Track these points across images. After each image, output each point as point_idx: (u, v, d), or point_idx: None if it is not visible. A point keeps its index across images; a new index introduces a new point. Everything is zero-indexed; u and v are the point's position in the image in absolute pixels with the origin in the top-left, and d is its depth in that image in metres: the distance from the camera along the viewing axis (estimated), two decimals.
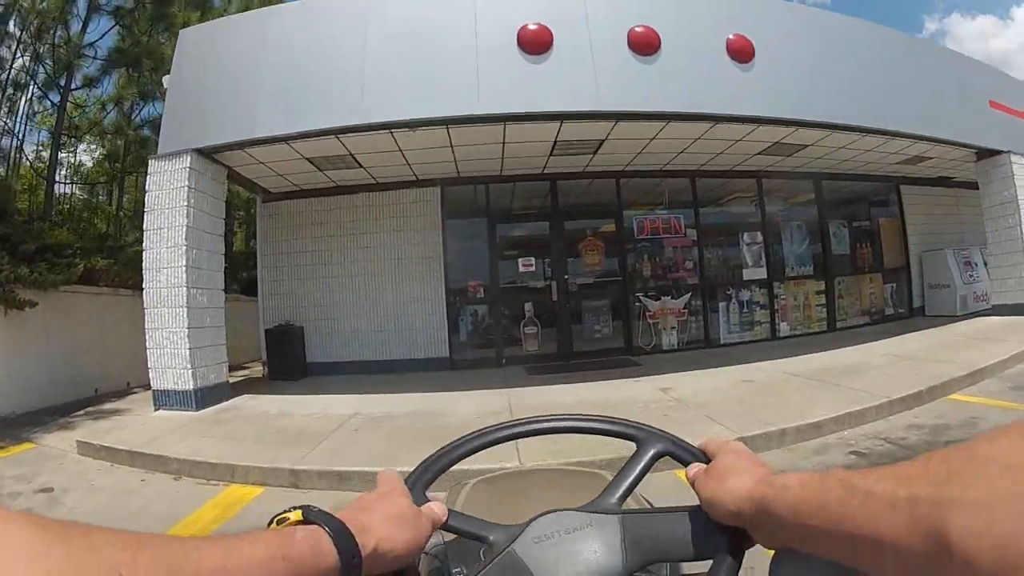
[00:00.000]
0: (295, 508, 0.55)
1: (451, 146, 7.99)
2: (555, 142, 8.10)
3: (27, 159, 13.89)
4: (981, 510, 0.33)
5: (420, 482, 0.71)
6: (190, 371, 6.80)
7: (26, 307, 7.60)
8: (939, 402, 5.61)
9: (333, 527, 0.53)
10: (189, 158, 7.15)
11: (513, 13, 6.96)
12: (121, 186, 15.33)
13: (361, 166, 8.60)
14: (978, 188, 10.70)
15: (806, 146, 9.06)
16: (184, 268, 6.91)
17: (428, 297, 9.63)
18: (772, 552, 0.57)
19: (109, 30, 13.72)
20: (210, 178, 7.57)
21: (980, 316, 10.83)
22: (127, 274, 9.19)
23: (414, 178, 9.45)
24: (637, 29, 7.06)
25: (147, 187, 7.42)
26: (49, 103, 13.74)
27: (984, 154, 10.14)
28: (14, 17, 11.95)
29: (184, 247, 6.94)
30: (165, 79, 8.14)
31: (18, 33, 12.20)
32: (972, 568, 0.32)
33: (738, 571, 0.61)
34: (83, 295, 8.89)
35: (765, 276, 10.80)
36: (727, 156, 9.40)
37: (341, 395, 7.38)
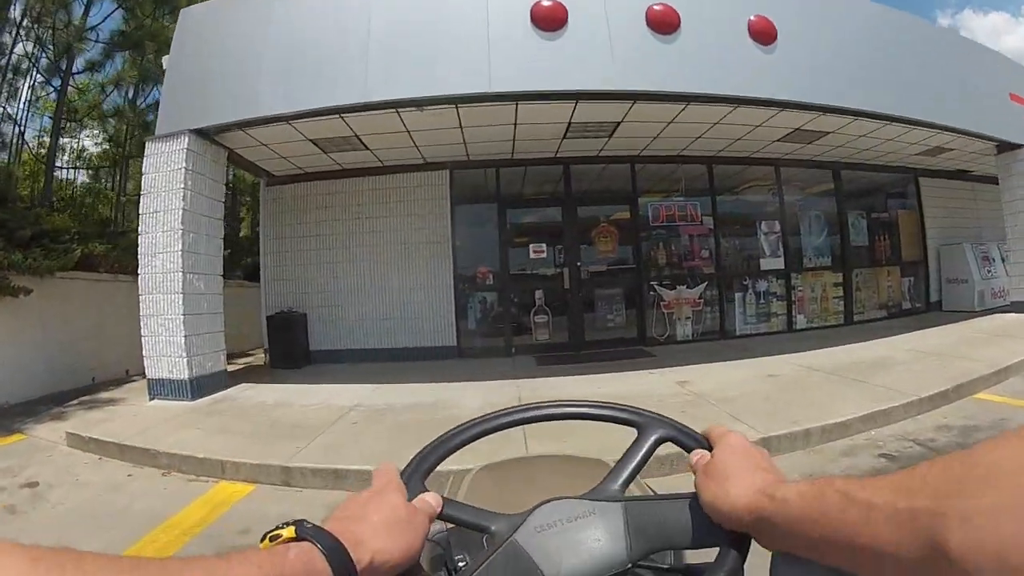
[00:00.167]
0: (288, 524, 0.54)
1: (460, 127, 7.69)
2: (569, 124, 7.82)
3: (28, 146, 13.76)
4: (980, 519, 0.33)
5: (418, 472, 0.70)
6: (185, 359, 6.55)
7: (20, 294, 7.39)
8: (965, 401, 5.40)
9: (326, 544, 0.52)
10: (187, 139, 6.91)
11: None
12: (124, 171, 15.15)
13: (367, 148, 8.33)
14: (996, 183, 10.59)
15: (827, 133, 8.80)
16: (180, 253, 6.65)
17: (435, 284, 9.40)
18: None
19: (111, 13, 13.58)
20: (209, 160, 7.31)
21: (998, 313, 10.65)
22: (127, 260, 8.97)
23: (422, 161, 9.20)
24: (655, 7, 6.75)
25: (144, 169, 7.20)
26: (52, 89, 13.63)
27: (1005, 147, 9.99)
28: (16, 1, 11.75)
29: (180, 231, 6.68)
30: (165, 59, 7.90)
31: (19, 18, 12.01)
32: None
33: (743, 564, 0.60)
34: (81, 281, 8.69)
35: (783, 266, 10.57)
36: (746, 142, 9.13)
37: (343, 385, 7.15)
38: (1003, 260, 11.56)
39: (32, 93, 13.45)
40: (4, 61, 12.17)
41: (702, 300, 10.06)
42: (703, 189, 10.24)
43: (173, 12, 12.62)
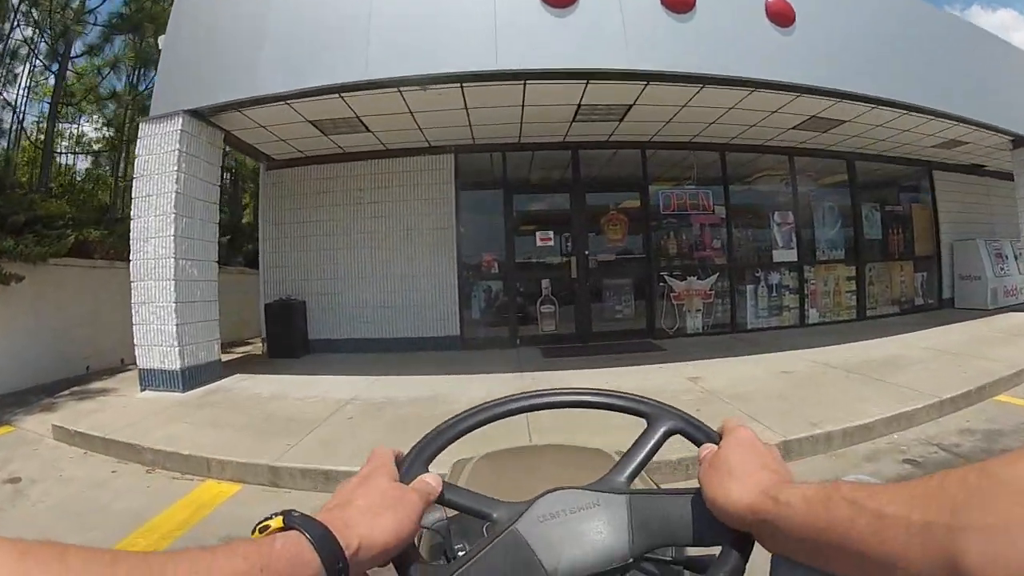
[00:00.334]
0: (277, 514, 0.53)
1: (466, 108, 7.40)
2: (579, 106, 7.52)
3: (26, 132, 13.57)
4: (998, 536, 0.33)
5: (421, 457, 0.70)
6: (177, 349, 6.32)
7: (11, 281, 7.19)
8: (986, 403, 5.22)
9: (314, 532, 0.51)
10: (181, 120, 6.65)
11: None
12: (124, 156, 14.94)
13: (369, 130, 8.07)
14: (1010, 179, 10.45)
15: (843, 122, 8.56)
16: (172, 238, 6.40)
17: (439, 271, 9.15)
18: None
19: None
20: (205, 142, 7.06)
21: (1011, 311, 10.58)
22: (123, 246, 8.74)
23: (426, 144, 8.93)
24: None
25: (137, 151, 6.94)
26: (51, 74, 13.42)
27: (1021, 142, 9.75)
28: None
29: (173, 215, 6.43)
30: (161, 39, 7.67)
31: (16, 2, 11.78)
32: None
33: (745, 564, 0.59)
34: (76, 268, 8.48)
35: (795, 259, 10.35)
36: (760, 129, 8.87)
37: (341, 376, 6.93)
38: (1016, 258, 11.63)
39: (31, 79, 13.31)
40: (2, 46, 11.99)
41: (713, 292, 9.82)
42: (715, 177, 9.98)
43: None
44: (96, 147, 15.51)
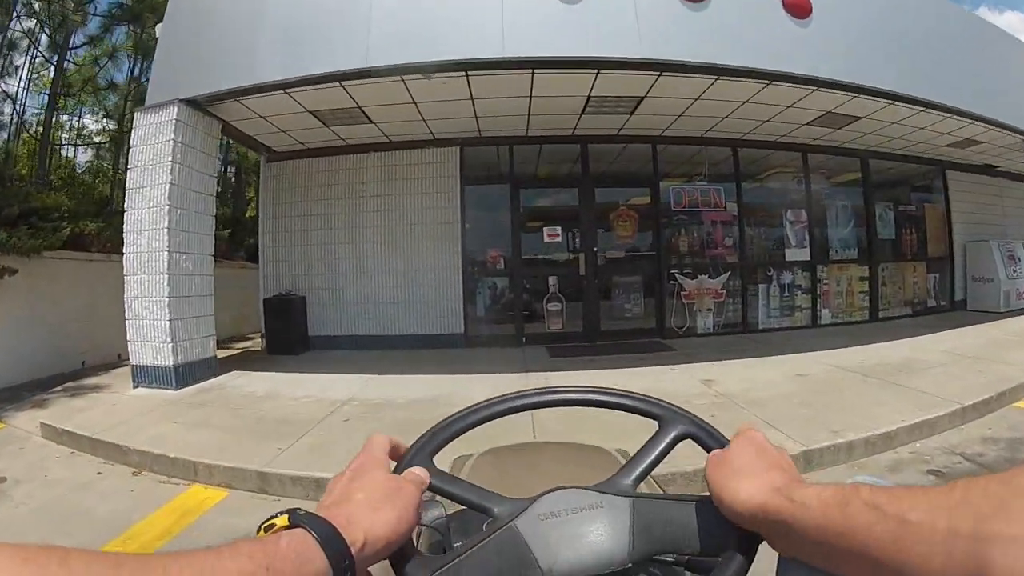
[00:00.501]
0: (282, 513, 0.53)
1: (471, 99, 7.17)
2: (588, 98, 7.28)
3: (24, 124, 13.45)
4: (1023, 547, 0.33)
5: (425, 450, 0.69)
6: (170, 345, 6.13)
7: (5, 274, 7.03)
8: (1007, 410, 5.06)
9: (320, 530, 0.50)
10: (176, 109, 6.47)
11: None
12: (125, 149, 14.84)
13: (372, 121, 7.85)
14: (1023, 180, 10.37)
15: (859, 118, 8.34)
16: (166, 230, 6.21)
17: (443, 266, 8.94)
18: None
19: None
20: (201, 132, 6.87)
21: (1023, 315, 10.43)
22: (120, 239, 8.57)
23: (431, 136, 8.70)
24: None
25: (132, 142, 6.79)
26: (51, 66, 13.32)
27: None
28: None
29: (167, 207, 6.23)
30: (158, 27, 7.47)
31: None
32: None
33: (749, 566, 0.58)
34: (72, 261, 8.31)
35: (808, 258, 10.12)
36: (774, 125, 8.64)
37: (340, 374, 6.72)
38: None
39: (32, 71, 13.25)
40: (1, 37, 11.87)
41: (724, 291, 9.59)
42: (728, 174, 9.76)
43: None
44: (97, 139, 15.40)
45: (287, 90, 6.52)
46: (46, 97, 13.07)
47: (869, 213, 10.69)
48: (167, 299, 6.18)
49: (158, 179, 6.35)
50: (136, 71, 14.07)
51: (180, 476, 4.03)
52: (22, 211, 7.78)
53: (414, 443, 0.70)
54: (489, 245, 9.24)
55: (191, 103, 6.65)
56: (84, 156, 15.93)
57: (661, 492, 1.00)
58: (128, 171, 6.70)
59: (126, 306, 6.43)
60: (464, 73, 6.34)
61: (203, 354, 6.68)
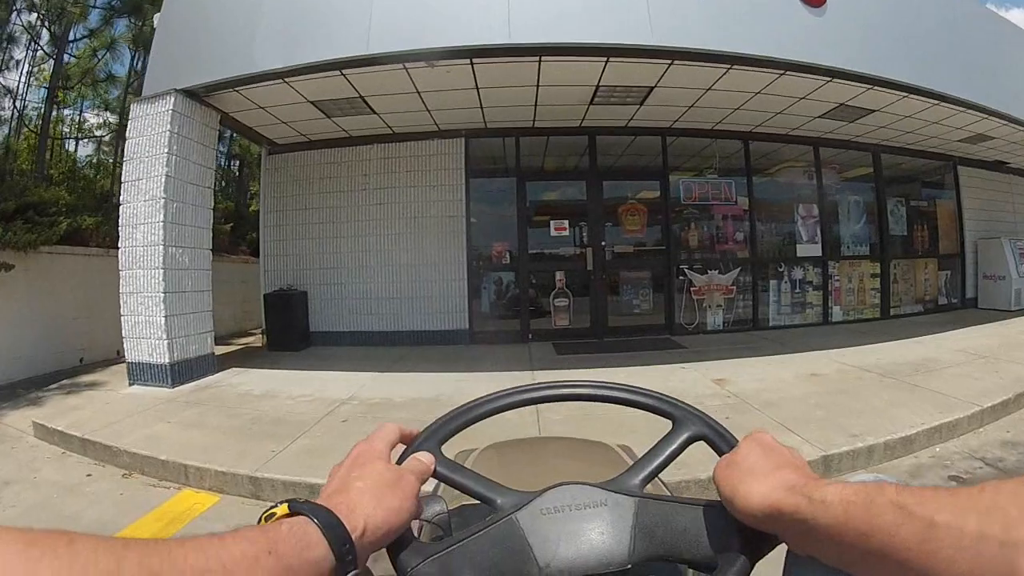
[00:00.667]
0: (283, 502, 0.53)
1: (476, 88, 6.97)
2: (597, 87, 7.08)
3: (24, 121, 13.34)
4: None
5: (433, 439, 0.69)
6: (165, 342, 5.96)
7: (1, 270, 6.91)
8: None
9: (321, 517, 0.51)
10: (172, 100, 6.30)
11: None
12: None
13: (374, 112, 7.66)
14: None
15: (872, 111, 8.15)
16: (162, 224, 6.04)
17: (447, 261, 8.77)
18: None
19: None
20: (199, 123, 6.70)
21: None
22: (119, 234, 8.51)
23: (435, 128, 8.51)
24: None
25: (128, 134, 6.65)
26: (51, 60, 13.18)
27: None
28: None
29: (163, 200, 6.06)
30: (156, 17, 7.32)
31: None
32: None
33: (752, 567, 0.57)
34: (70, 256, 8.19)
35: (820, 254, 9.93)
36: (786, 117, 8.43)
37: (341, 372, 6.58)
38: None
39: (32, 65, 13.15)
40: (1, 32, 11.78)
41: (735, 287, 9.40)
42: (738, 168, 9.56)
43: None
44: (98, 133, 15.29)
45: (286, 79, 6.33)
46: (45, 91, 12.94)
47: (881, 209, 10.47)
48: (163, 294, 6.02)
49: (154, 171, 6.18)
50: (137, 64, 13.95)
51: (171, 479, 3.88)
52: (19, 206, 7.64)
53: (426, 428, 0.70)
54: (494, 239, 9.07)
55: (188, 93, 6.49)
56: (85, 150, 15.80)
57: (668, 494, 0.97)
58: (124, 163, 6.54)
59: (121, 302, 6.28)
60: (469, 61, 6.13)
61: (200, 351, 6.52)
